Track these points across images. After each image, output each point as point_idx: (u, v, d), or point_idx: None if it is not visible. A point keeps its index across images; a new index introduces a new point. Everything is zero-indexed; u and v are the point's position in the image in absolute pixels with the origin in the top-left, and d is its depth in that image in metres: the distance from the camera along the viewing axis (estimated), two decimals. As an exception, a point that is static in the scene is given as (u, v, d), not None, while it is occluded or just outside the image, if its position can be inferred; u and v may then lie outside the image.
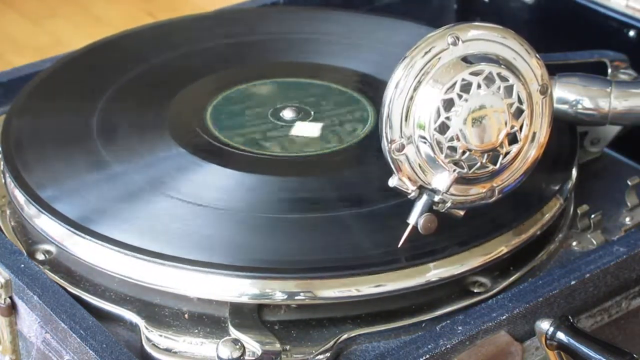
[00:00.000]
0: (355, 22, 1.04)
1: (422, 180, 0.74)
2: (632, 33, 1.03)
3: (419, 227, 0.75)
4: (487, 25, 0.74)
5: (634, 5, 1.03)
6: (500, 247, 0.80)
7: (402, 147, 0.74)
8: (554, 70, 0.88)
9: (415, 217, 0.75)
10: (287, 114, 0.90)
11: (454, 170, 0.74)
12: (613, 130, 0.94)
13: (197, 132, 0.87)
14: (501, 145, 0.74)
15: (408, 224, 0.75)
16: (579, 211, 0.86)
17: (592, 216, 0.86)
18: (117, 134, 0.87)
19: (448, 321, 0.73)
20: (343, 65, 0.97)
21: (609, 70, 0.95)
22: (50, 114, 0.90)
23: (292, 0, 1.11)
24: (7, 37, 1.68)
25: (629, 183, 0.88)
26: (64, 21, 1.73)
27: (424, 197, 0.75)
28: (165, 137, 0.86)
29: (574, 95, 0.87)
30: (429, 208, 0.75)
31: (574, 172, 0.87)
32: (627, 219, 0.88)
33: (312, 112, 0.90)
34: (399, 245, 0.75)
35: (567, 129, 0.90)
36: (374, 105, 0.91)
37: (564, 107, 0.87)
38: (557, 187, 0.84)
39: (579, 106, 0.87)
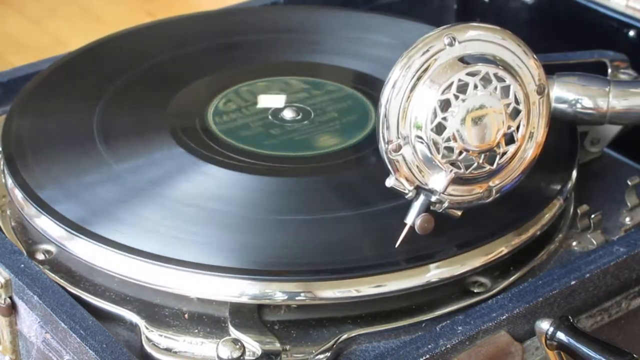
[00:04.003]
0: (355, 22, 1.04)
1: (419, 180, 0.75)
2: (632, 33, 1.03)
3: (416, 227, 0.75)
4: (484, 26, 0.74)
5: (634, 5, 1.03)
6: (500, 248, 0.80)
7: (399, 147, 0.74)
8: (554, 70, 0.88)
9: (413, 217, 0.75)
10: (287, 114, 0.90)
11: (451, 171, 0.74)
12: (613, 130, 0.94)
13: (197, 132, 0.87)
14: (498, 145, 0.74)
15: (406, 224, 0.75)
16: (579, 211, 0.86)
17: (592, 216, 0.86)
18: (117, 134, 0.87)
19: (448, 321, 0.73)
20: (343, 65, 0.97)
21: (609, 70, 0.95)
22: (50, 114, 0.90)
23: (292, 0, 1.11)
24: (7, 37, 1.68)
25: (629, 183, 0.88)
26: (64, 21, 1.72)
27: (421, 198, 0.75)
28: (165, 137, 0.86)
29: (573, 94, 0.87)
30: (426, 208, 0.75)
31: (574, 172, 0.87)
32: (627, 219, 0.88)
33: (312, 112, 0.90)
34: (397, 246, 0.75)
35: (567, 129, 0.90)
36: (374, 105, 0.91)
37: (563, 106, 0.87)
38: (557, 187, 0.84)
39: (578, 105, 0.87)
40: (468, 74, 0.73)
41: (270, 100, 0.88)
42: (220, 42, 1.01)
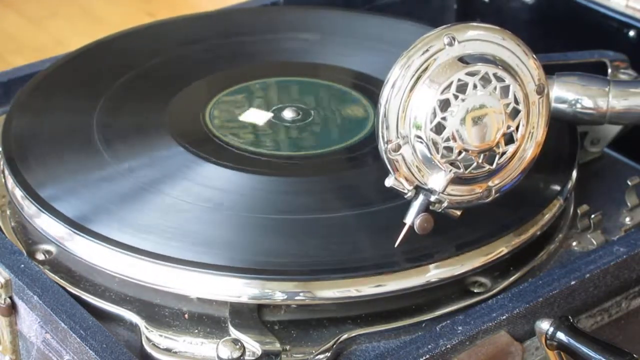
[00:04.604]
0: (355, 22, 1.04)
1: (418, 180, 0.74)
2: (632, 33, 1.03)
3: (415, 227, 0.75)
4: (484, 26, 0.74)
5: (634, 5, 1.03)
6: (500, 248, 0.80)
7: (399, 147, 0.74)
8: (554, 70, 0.88)
9: (412, 217, 0.75)
10: (287, 114, 0.90)
11: (450, 170, 0.74)
12: (613, 130, 0.94)
13: (197, 132, 0.87)
14: (497, 145, 0.74)
15: (405, 224, 0.75)
16: (579, 211, 0.86)
17: (592, 216, 0.86)
18: (117, 134, 0.87)
19: (448, 321, 0.73)
20: (343, 65, 0.97)
21: (609, 70, 0.95)
22: (50, 114, 0.90)
23: (292, 0, 1.12)
24: (7, 37, 1.68)
25: (629, 183, 0.88)
26: (64, 21, 1.73)
27: (420, 197, 0.75)
28: (165, 137, 0.86)
29: (573, 94, 0.87)
30: (426, 208, 0.75)
31: (574, 172, 0.87)
32: (627, 219, 0.88)
33: (312, 112, 0.90)
34: (396, 245, 0.75)
35: (567, 129, 0.90)
36: (374, 105, 0.91)
37: (563, 106, 0.87)
38: (557, 188, 0.84)
39: (578, 105, 0.87)
40: (467, 74, 0.73)
41: (256, 116, 0.89)
42: (220, 42, 1.01)
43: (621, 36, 1.03)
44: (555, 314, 0.76)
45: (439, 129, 0.73)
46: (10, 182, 0.84)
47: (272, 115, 0.89)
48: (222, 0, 1.21)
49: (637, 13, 1.03)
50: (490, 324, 0.73)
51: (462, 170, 0.74)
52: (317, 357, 0.74)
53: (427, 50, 0.73)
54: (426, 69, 0.73)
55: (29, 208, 0.82)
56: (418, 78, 0.73)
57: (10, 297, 0.77)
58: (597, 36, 1.05)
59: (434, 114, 0.73)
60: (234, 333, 0.74)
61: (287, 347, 0.74)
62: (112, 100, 0.92)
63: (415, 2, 1.17)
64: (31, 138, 0.87)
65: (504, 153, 0.75)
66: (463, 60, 0.73)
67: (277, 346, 0.73)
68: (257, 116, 0.89)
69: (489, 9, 1.16)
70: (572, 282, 0.77)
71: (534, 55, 0.75)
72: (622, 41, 1.03)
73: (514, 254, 0.81)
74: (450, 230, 0.78)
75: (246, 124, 0.89)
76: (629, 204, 0.89)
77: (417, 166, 0.74)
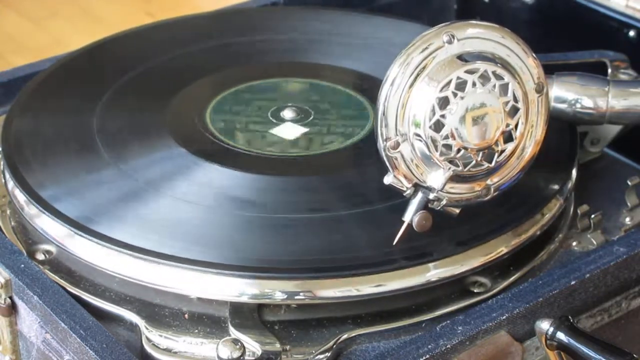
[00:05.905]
0: (355, 22, 1.04)
1: (417, 178, 0.74)
2: (632, 33, 1.03)
3: (413, 224, 0.75)
4: (483, 24, 0.74)
5: (634, 5, 1.03)
6: (500, 247, 0.80)
7: (397, 144, 0.74)
8: (554, 70, 0.88)
9: (411, 215, 0.75)
10: (287, 114, 0.90)
11: (449, 168, 0.74)
12: (613, 130, 0.94)
13: (197, 132, 0.87)
14: (496, 143, 0.74)
15: (404, 222, 0.75)
16: (579, 211, 0.86)
17: (592, 216, 0.86)
18: (117, 134, 0.87)
19: (448, 321, 0.73)
20: (343, 65, 0.97)
21: (609, 70, 0.95)
22: (50, 114, 0.90)
23: (292, 0, 1.12)
24: (7, 37, 1.68)
25: (629, 183, 0.88)
26: (64, 21, 1.73)
27: (419, 195, 0.75)
28: (165, 137, 0.86)
29: (572, 94, 0.87)
30: (424, 206, 0.75)
31: (574, 172, 0.87)
32: (627, 219, 0.88)
33: (312, 112, 0.90)
34: (394, 243, 0.75)
35: (567, 129, 0.90)
36: (373, 105, 0.91)
37: (563, 106, 0.87)
38: (557, 187, 0.84)
39: (577, 105, 0.87)
40: (466, 72, 0.73)
41: (286, 131, 0.88)
42: (220, 43, 1.01)
43: (621, 36, 1.03)
44: (555, 314, 0.76)
45: (437, 126, 0.73)
46: (10, 182, 0.84)
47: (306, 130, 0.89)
48: (222, 0, 1.21)
49: (637, 13, 1.03)
50: (490, 324, 0.73)
51: (461, 168, 0.74)
52: (317, 357, 0.74)
53: (426, 48, 0.73)
54: (425, 66, 0.73)
55: (29, 208, 0.82)
56: (417, 76, 0.73)
57: (10, 297, 0.77)
58: (597, 36, 1.05)
59: (433, 112, 0.73)
60: (234, 333, 0.74)
61: (287, 347, 0.74)
62: (112, 101, 0.92)
63: (415, 2, 1.17)
64: (31, 138, 0.87)
65: (502, 151, 0.75)
66: (462, 58, 0.73)
67: (277, 346, 0.73)
68: (289, 131, 0.89)
69: (489, 9, 1.16)
70: (572, 282, 0.77)
71: (534, 54, 0.75)
72: (622, 41, 1.03)
73: (514, 254, 0.81)
74: (450, 230, 0.78)
75: (246, 124, 0.89)
76: (629, 204, 0.89)
77: (416, 164, 0.74)
